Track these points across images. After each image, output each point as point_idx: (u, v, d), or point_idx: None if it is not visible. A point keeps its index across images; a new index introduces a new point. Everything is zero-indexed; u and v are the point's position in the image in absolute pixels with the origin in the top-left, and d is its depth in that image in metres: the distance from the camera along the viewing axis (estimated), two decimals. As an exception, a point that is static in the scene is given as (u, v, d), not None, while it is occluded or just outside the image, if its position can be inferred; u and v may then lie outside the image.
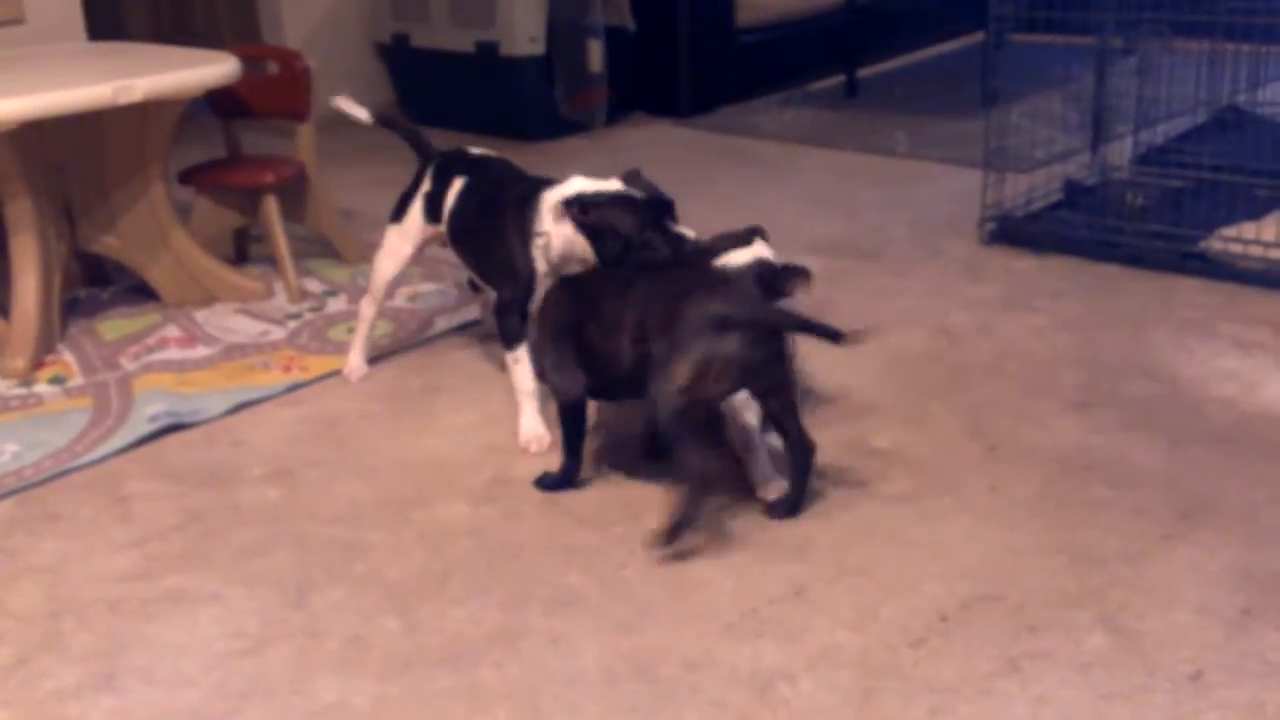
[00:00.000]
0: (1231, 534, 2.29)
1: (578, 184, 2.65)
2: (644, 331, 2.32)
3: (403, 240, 3.04)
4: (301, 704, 1.95)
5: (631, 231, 2.54)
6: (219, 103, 3.82)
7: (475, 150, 3.05)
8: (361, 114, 3.15)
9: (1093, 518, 2.37)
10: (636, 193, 2.60)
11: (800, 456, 2.40)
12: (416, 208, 3.00)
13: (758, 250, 2.65)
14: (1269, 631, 2.02)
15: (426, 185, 2.99)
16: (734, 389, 2.33)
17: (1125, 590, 2.14)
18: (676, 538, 2.28)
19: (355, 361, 3.14)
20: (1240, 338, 3.12)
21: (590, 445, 2.64)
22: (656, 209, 2.57)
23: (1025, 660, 1.98)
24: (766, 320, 2.30)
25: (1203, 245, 3.56)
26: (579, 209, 2.56)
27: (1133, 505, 2.40)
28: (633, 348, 2.34)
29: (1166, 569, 2.20)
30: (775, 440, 2.45)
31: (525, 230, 2.69)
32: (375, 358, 3.22)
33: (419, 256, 3.15)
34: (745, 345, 2.24)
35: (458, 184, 2.92)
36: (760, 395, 2.39)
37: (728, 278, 2.50)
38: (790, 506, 2.42)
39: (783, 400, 2.37)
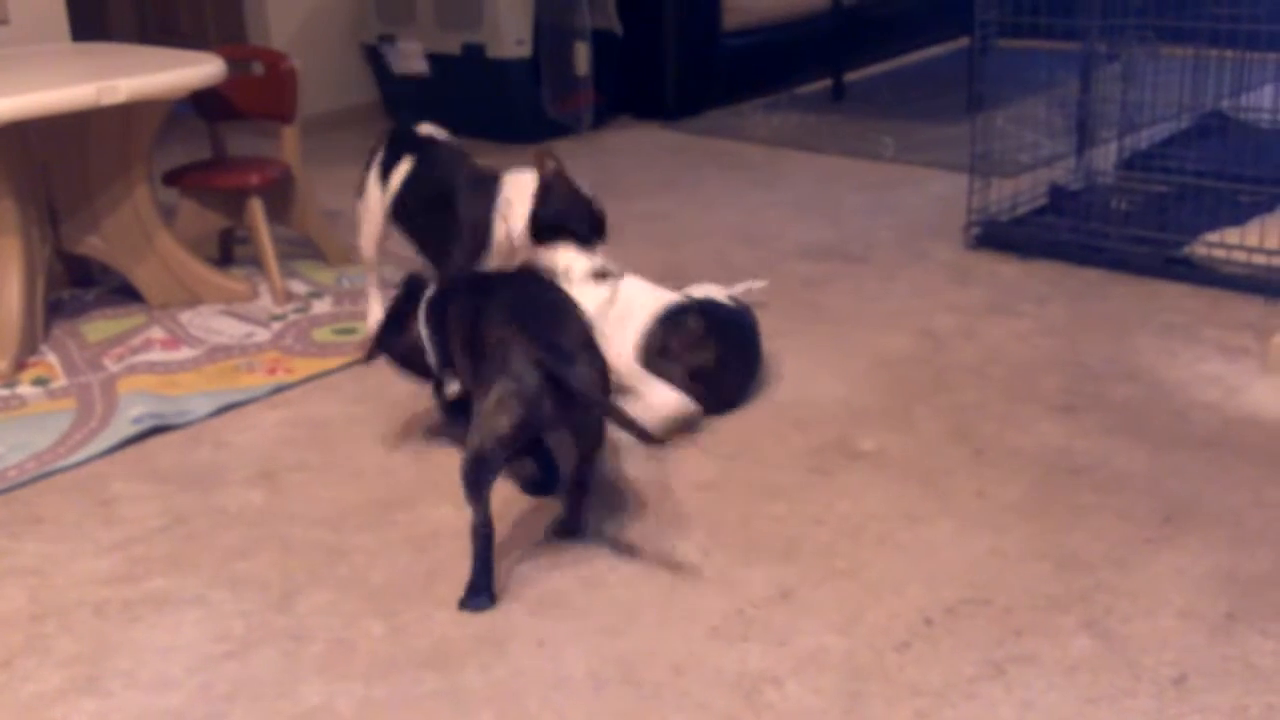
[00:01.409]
0: (1215, 538, 2.30)
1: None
2: (474, 349, 2.29)
3: (369, 211, 3.20)
4: (286, 707, 1.95)
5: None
6: (204, 104, 3.81)
7: (424, 128, 3.19)
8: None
9: (1078, 522, 2.38)
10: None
11: (578, 482, 2.34)
12: (373, 177, 3.17)
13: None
14: (1252, 635, 2.03)
15: (380, 155, 3.17)
16: (519, 431, 2.16)
17: (1110, 594, 2.15)
18: (479, 598, 2.18)
19: (376, 316, 3.25)
20: (1224, 342, 3.14)
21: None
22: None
23: (1010, 664, 1.98)
24: (577, 390, 2.14)
25: (1187, 250, 3.57)
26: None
27: (1117, 509, 2.41)
28: (468, 366, 2.35)
29: (1151, 573, 2.21)
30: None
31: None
32: (360, 361, 3.20)
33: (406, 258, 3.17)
34: (544, 395, 2.13)
35: (406, 163, 3.09)
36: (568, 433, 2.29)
37: (572, 317, 2.32)
38: (567, 527, 2.37)
39: (585, 443, 2.29)
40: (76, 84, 3.11)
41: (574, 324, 2.28)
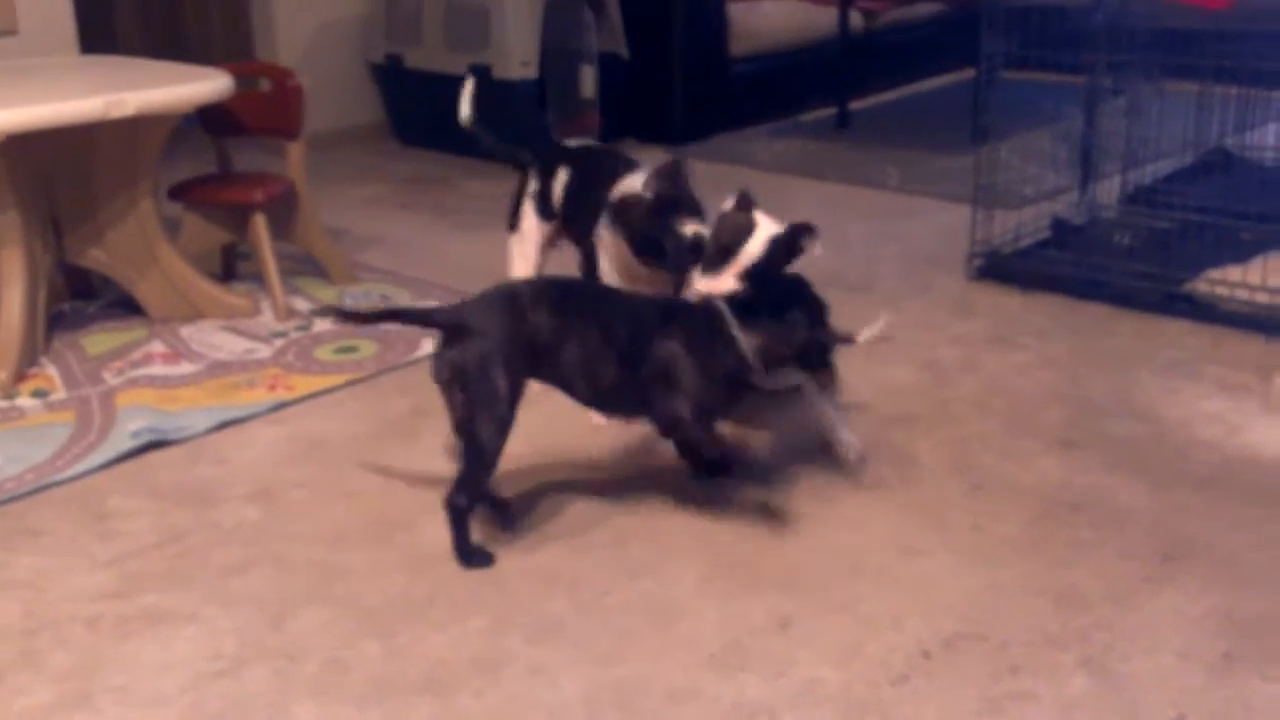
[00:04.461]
0: (1214, 578, 2.29)
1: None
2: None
3: (525, 245, 3.14)
4: (279, 728, 1.94)
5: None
6: (210, 119, 3.82)
7: (573, 142, 3.25)
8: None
9: (1076, 558, 2.37)
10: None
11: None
12: (528, 209, 3.13)
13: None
14: (1251, 677, 2.02)
15: (533, 184, 3.12)
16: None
17: (1108, 632, 2.14)
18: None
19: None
20: (1225, 380, 3.14)
21: (579, 472, 2.65)
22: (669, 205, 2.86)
23: (1007, 701, 1.97)
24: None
25: (1189, 287, 3.57)
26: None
27: (1116, 547, 2.40)
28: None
29: (1150, 612, 2.20)
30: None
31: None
32: (361, 379, 3.20)
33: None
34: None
35: (563, 175, 3.08)
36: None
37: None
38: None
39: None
40: (84, 97, 3.11)
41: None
